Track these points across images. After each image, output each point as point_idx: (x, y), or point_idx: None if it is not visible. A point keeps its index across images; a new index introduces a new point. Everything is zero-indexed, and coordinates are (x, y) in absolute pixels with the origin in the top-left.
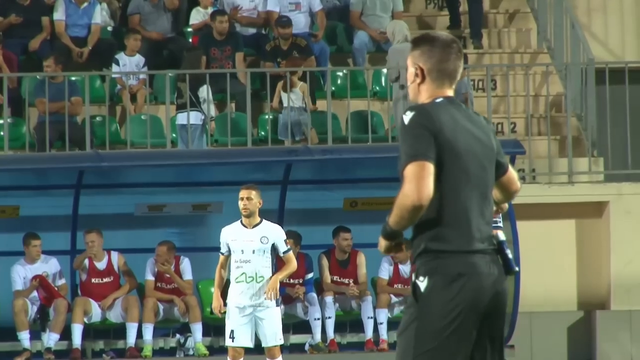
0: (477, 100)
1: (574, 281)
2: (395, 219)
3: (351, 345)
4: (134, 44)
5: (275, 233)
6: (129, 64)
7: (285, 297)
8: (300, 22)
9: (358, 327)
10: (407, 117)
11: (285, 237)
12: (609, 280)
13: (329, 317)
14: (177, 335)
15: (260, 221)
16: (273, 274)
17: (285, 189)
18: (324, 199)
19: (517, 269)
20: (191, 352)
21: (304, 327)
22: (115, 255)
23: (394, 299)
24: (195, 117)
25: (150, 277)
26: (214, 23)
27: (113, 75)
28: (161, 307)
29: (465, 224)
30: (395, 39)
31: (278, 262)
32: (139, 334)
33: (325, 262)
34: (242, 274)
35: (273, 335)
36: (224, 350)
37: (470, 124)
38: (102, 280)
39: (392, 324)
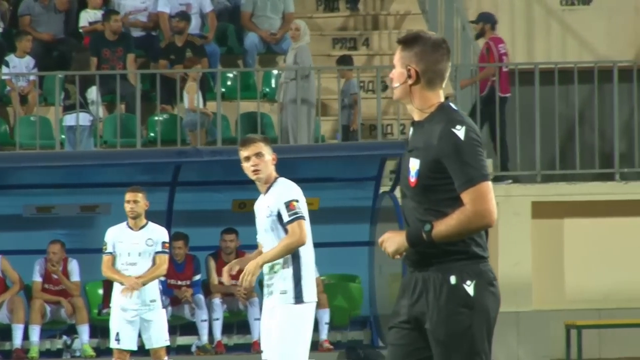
0: (367, 101)
1: None
2: (451, 234)
3: (238, 347)
4: (25, 45)
5: (159, 234)
6: (19, 66)
7: (173, 298)
8: (191, 18)
9: (245, 328)
10: (461, 132)
11: (165, 240)
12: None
13: (216, 319)
14: (64, 337)
15: (146, 223)
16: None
17: (174, 190)
18: (212, 201)
19: None
20: (78, 354)
21: (191, 328)
22: None
23: None
24: (83, 119)
25: (37, 279)
26: (108, 23)
27: (3, 77)
28: (48, 308)
29: (482, 236)
30: (304, 38)
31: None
32: (26, 336)
33: (212, 263)
34: (128, 276)
35: (159, 336)
36: (110, 352)
37: None
38: None
39: None
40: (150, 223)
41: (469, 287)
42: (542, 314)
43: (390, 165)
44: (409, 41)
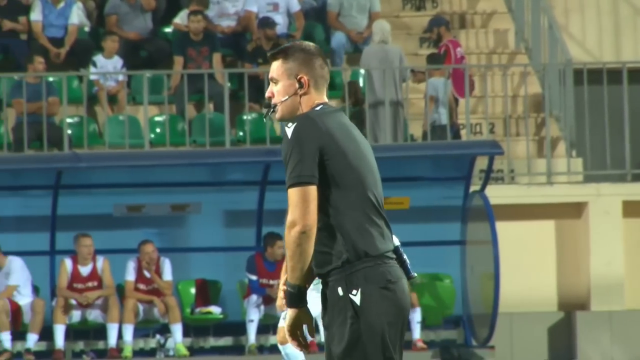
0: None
1: (554, 282)
2: (295, 264)
3: None
4: (112, 46)
5: None
6: (107, 67)
7: (265, 297)
8: (278, 23)
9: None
10: (290, 129)
11: None
12: (589, 281)
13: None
14: (157, 336)
15: None
16: None
17: (264, 189)
18: None
19: (415, 274)
20: (171, 353)
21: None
22: (100, 261)
23: None
24: None
25: (130, 278)
26: (189, 23)
27: (91, 77)
28: (141, 307)
29: (375, 231)
30: (373, 39)
31: None
32: (119, 335)
33: None
34: None
35: None
36: (204, 350)
37: (355, 130)
38: (84, 285)
39: None
40: None
41: (356, 297)
42: (636, 313)
43: (480, 164)
44: (290, 51)
